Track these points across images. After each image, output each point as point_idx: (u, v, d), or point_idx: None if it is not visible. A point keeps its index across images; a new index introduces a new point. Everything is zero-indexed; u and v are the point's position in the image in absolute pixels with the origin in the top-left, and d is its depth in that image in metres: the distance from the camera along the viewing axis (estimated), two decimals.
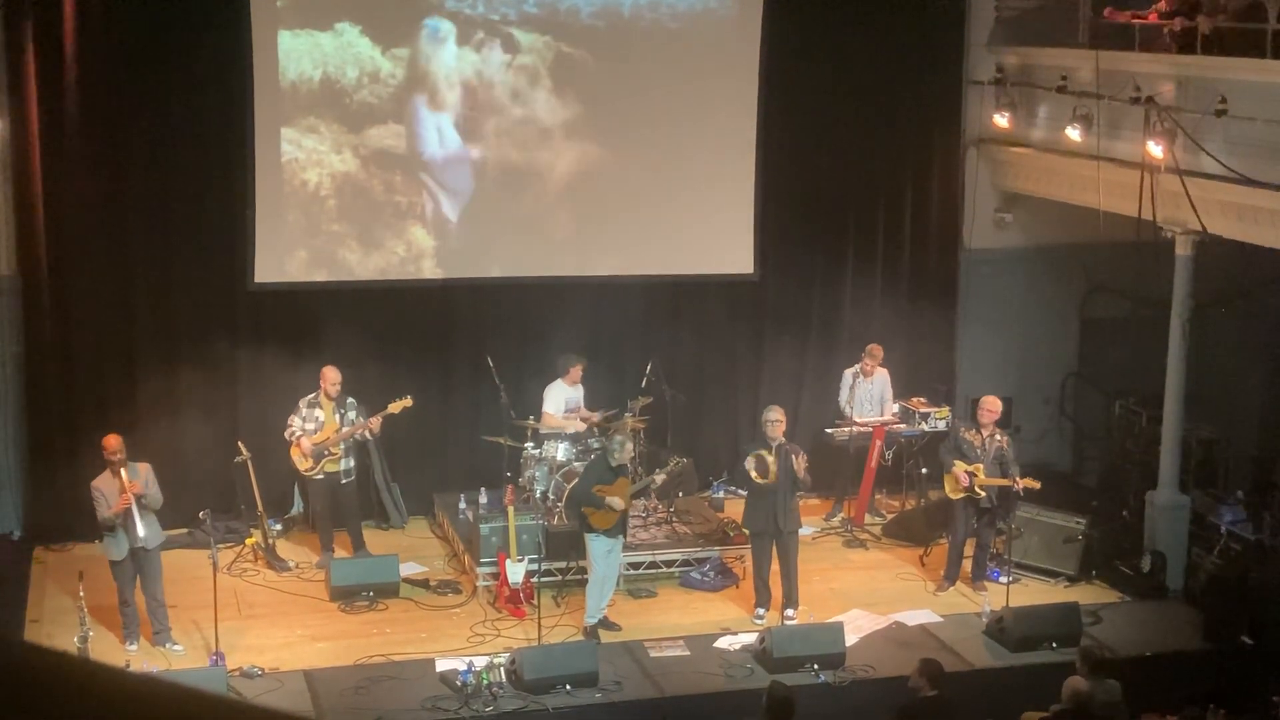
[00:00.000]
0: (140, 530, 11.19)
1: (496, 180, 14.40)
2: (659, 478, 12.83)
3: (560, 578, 12.57)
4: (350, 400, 13.05)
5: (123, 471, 11.13)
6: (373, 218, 14.16)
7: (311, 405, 12.98)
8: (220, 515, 13.52)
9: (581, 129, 14.52)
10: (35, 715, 1.38)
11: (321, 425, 12.95)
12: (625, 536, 12.26)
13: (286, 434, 13.02)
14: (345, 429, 12.95)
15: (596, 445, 13.18)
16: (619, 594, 12.72)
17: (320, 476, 13.04)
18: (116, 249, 13.53)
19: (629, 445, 12.20)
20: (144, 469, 11.38)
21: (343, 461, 13.09)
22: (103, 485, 11.19)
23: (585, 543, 11.92)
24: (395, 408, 13.00)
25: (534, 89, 14.32)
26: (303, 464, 13.00)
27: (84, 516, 12.77)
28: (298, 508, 14.31)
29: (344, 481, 13.18)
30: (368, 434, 13.09)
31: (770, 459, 11.92)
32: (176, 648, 11.49)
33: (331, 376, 12.91)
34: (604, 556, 11.86)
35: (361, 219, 14.13)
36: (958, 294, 15.95)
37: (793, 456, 11.98)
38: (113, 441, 11.25)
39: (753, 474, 11.98)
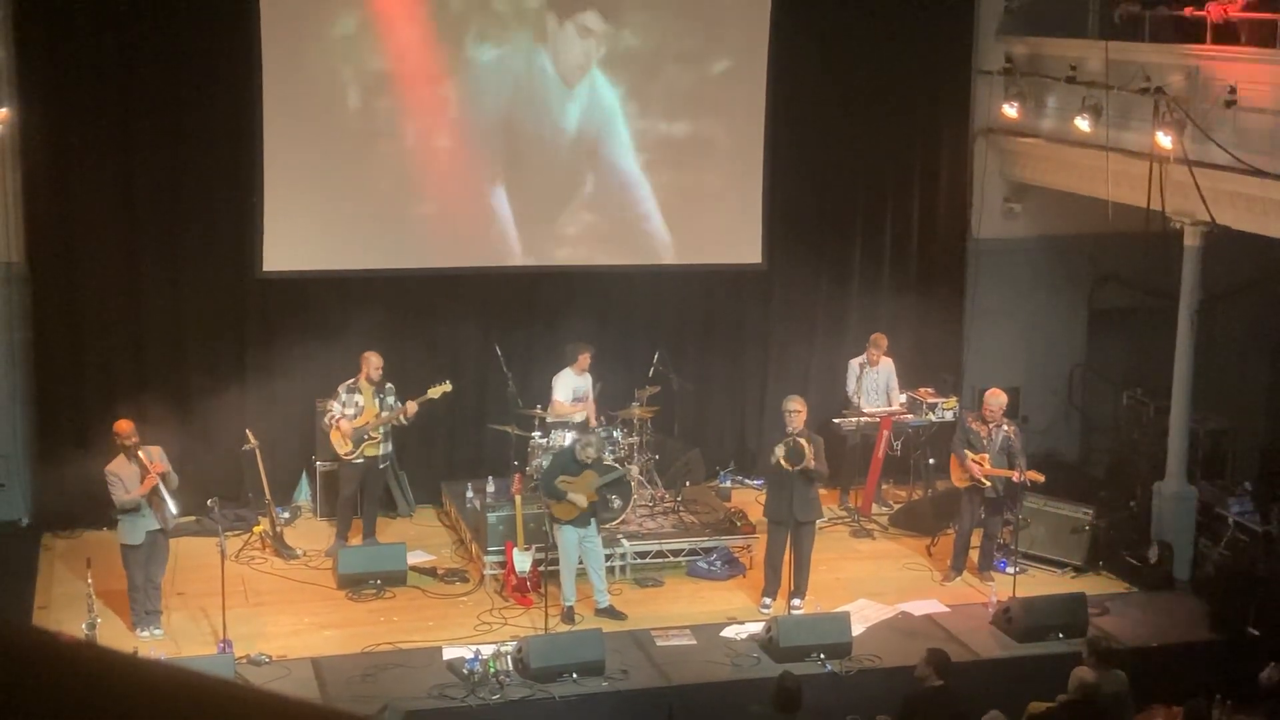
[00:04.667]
0: (172, 506, 11.26)
1: (504, 170, 14.39)
2: (633, 470, 12.83)
3: None
4: (389, 385, 13.07)
5: (141, 453, 11.17)
6: (380, 206, 14.15)
7: (351, 390, 13.00)
8: (228, 503, 13.55)
9: (590, 118, 14.51)
10: (44, 701, 1.39)
11: (361, 410, 12.98)
12: (595, 524, 12.21)
13: (326, 419, 13.06)
14: (384, 414, 12.99)
15: (605, 435, 13.19)
16: (625, 583, 12.75)
17: (359, 460, 13.07)
18: (125, 236, 13.55)
19: (592, 449, 12.17)
20: (156, 451, 11.41)
21: (381, 446, 13.14)
22: (118, 469, 11.23)
23: (554, 532, 11.99)
24: (435, 392, 13.00)
25: (541, 80, 14.29)
26: (343, 447, 13.00)
27: (92, 503, 12.82)
28: (304, 496, 14.34)
29: (381, 466, 13.29)
30: (401, 419, 13.09)
31: (807, 445, 11.91)
32: (157, 632, 11.51)
33: (375, 361, 12.94)
34: (570, 547, 11.94)
35: (369, 207, 14.12)
36: (965, 284, 15.93)
37: (803, 443, 11.97)
38: (125, 426, 11.30)
39: (783, 462, 11.95)
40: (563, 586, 12.00)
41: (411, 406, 12.97)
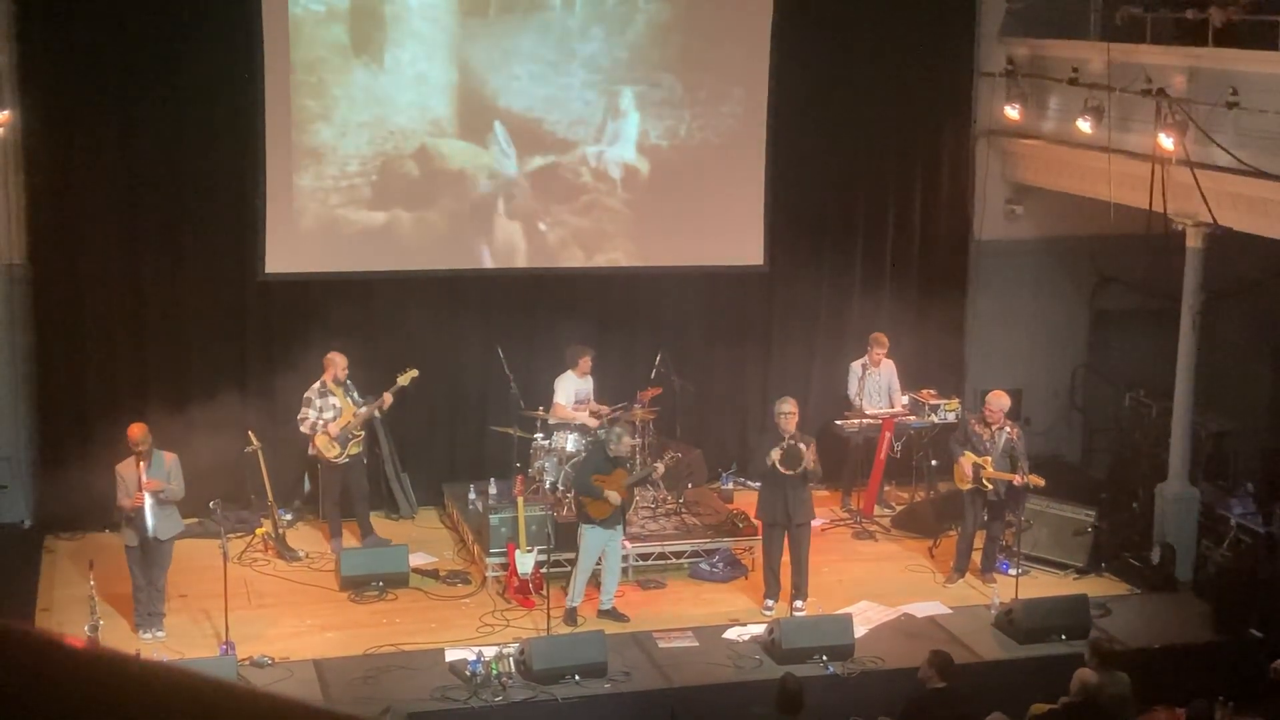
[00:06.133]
0: (150, 527, 11.20)
1: (506, 173, 14.39)
2: (659, 467, 12.86)
3: (569, 568, 12.57)
4: (349, 383, 13.15)
5: (141, 465, 11.15)
6: (382, 207, 14.16)
7: (323, 394, 13.03)
8: (230, 505, 13.55)
9: (592, 119, 14.50)
10: (46, 703, 1.39)
11: (340, 411, 13.03)
12: (624, 527, 12.26)
13: (304, 427, 13.05)
14: (362, 410, 13.03)
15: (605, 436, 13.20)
16: (628, 585, 12.74)
17: (345, 460, 13.13)
18: (127, 238, 13.56)
19: (627, 438, 12.23)
20: (170, 459, 11.41)
21: (362, 443, 13.25)
22: (124, 471, 11.25)
23: (579, 531, 11.99)
24: (404, 379, 13.08)
25: (542, 80, 14.29)
26: (330, 451, 13.04)
27: (95, 505, 12.85)
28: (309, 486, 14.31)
29: (364, 463, 13.39)
30: (378, 411, 13.16)
31: (805, 450, 11.91)
32: (159, 634, 11.51)
33: (340, 361, 13.01)
34: (595, 549, 11.94)
35: (371, 209, 14.13)
36: (967, 286, 15.93)
37: (803, 447, 11.98)
38: (137, 431, 11.29)
39: (780, 467, 11.94)
40: (574, 586, 12.00)
41: (388, 398, 13.08)
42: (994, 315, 16.00)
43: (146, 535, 11.25)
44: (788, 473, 11.92)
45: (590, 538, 11.93)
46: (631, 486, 12.19)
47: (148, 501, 11.14)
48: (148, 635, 11.43)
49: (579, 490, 12.07)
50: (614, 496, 11.82)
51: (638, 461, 13.38)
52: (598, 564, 12.13)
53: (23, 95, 13.08)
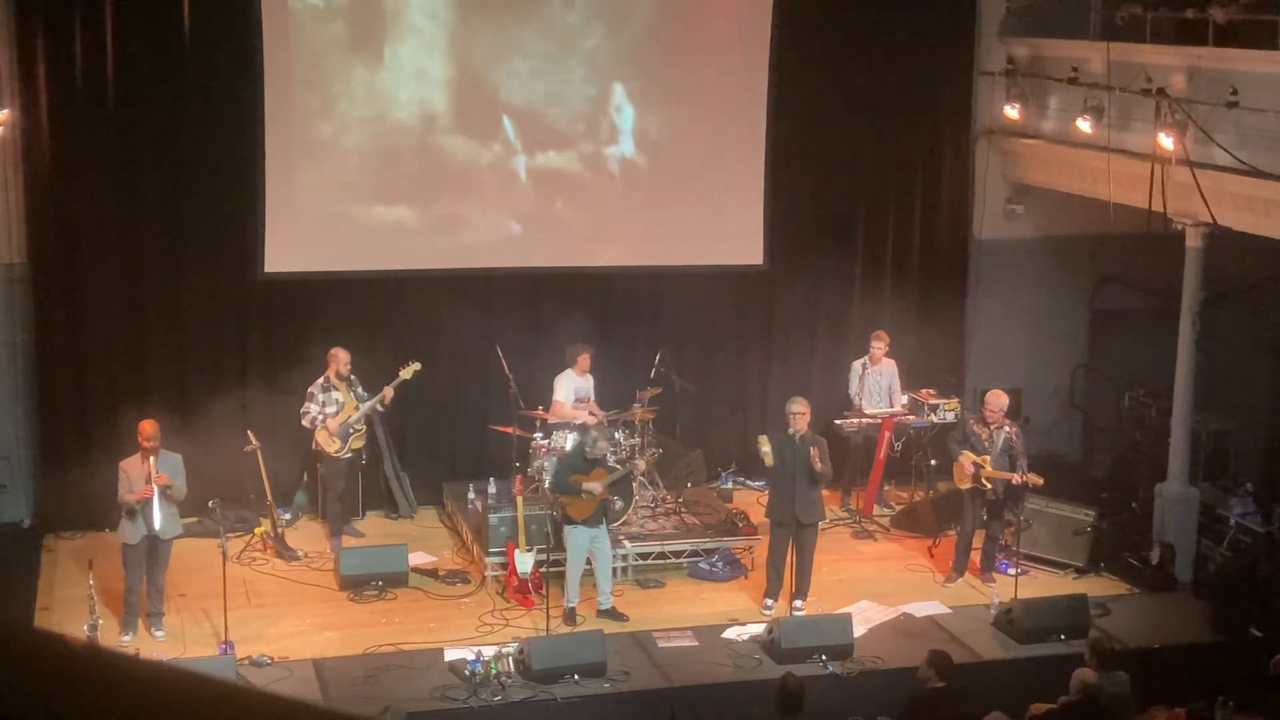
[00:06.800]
0: (157, 522, 11.21)
1: (505, 170, 14.39)
2: (640, 465, 12.87)
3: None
4: (352, 377, 13.21)
5: (151, 460, 11.15)
6: (383, 207, 14.16)
7: (326, 389, 13.12)
8: (229, 504, 13.56)
9: (592, 118, 14.50)
10: (46, 702, 1.39)
11: (342, 406, 13.14)
12: (607, 525, 12.25)
13: (305, 421, 13.14)
14: (365, 404, 13.09)
15: (606, 431, 13.20)
16: (627, 584, 12.75)
17: (348, 455, 13.25)
18: (127, 237, 13.55)
19: (603, 442, 12.23)
20: (176, 460, 11.40)
21: (363, 439, 13.37)
22: (129, 467, 11.25)
23: (565, 533, 12.00)
24: (406, 373, 13.19)
25: (542, 76, 14.29)
26: (331, 446, 13.15)
27: (94, 504, 12.85)
28: (305, 497, 14.31)
29: (363, 460, 13.54)
30: (380, 406, 13.24)
31: (814, 451, 11.93)
32: (159, 634, 11.51)
33: (343, 356, 13.13)
34: (581, 549, 11.95)
35: (371, 208, 14.13)
36: (967, 285, 15.93)
37: (810, 448, 11.97)
38: (148, 427, 11.29)
39: (767, 459, 11.99)
40: (567, 588, 12.02)
41: (389, 392, 13.18)
42: (994, 315, 16.00)
43: (152, 530, 11.25)
44: (769, 464, 11.95)
45: (575, 538, 11.94)
46: (609, 486, 12.17)
47: (155, 495, 11.15)
48: (127, 637, 11.37)
49: (558, 490, 12.07)
50: (594, 487, 11.84)
51: (642, 455, 13.40)
52: (590, 563, 12.14)
53: (22, 95, 13.07)
